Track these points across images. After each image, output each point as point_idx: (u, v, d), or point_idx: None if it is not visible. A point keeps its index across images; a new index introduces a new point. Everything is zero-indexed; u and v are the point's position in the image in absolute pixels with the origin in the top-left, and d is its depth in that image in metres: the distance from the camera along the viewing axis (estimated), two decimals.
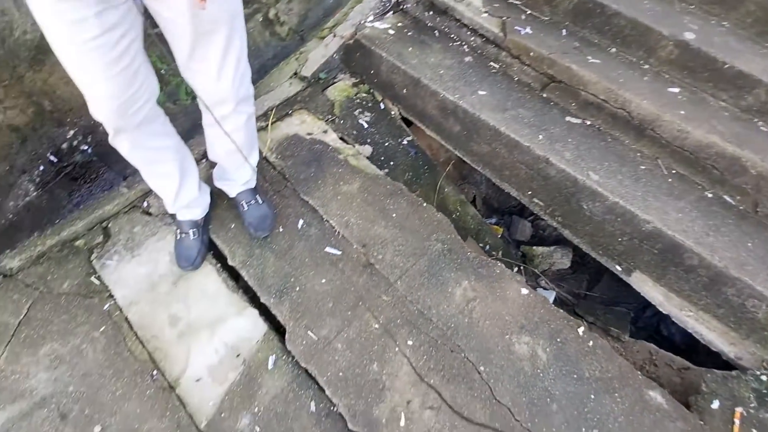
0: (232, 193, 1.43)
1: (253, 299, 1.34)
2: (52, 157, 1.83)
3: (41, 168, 1.83)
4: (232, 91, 1.10)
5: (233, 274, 1.39)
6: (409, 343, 1.22)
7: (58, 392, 1.14)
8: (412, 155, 1.86)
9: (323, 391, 1.16)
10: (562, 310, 1.29)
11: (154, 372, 1.19)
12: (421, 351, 1.21)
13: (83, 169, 1.87)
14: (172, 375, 1.19)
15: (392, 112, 1.89)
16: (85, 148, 1.88)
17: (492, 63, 1.73)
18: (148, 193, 1.54)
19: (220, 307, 1.31)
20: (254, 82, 1.20)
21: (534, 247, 1.86)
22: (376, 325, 1.25)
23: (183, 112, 2.06)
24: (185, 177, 1.26)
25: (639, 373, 1.19)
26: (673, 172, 1.46)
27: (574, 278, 1.82)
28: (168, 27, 0.95)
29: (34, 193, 1.81)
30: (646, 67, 1.64)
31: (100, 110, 0.97)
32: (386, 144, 1.83)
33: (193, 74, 1.07)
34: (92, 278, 1.35)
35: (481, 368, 1.18)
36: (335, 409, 1.13)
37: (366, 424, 1.09)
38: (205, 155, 1.55)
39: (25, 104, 1.69)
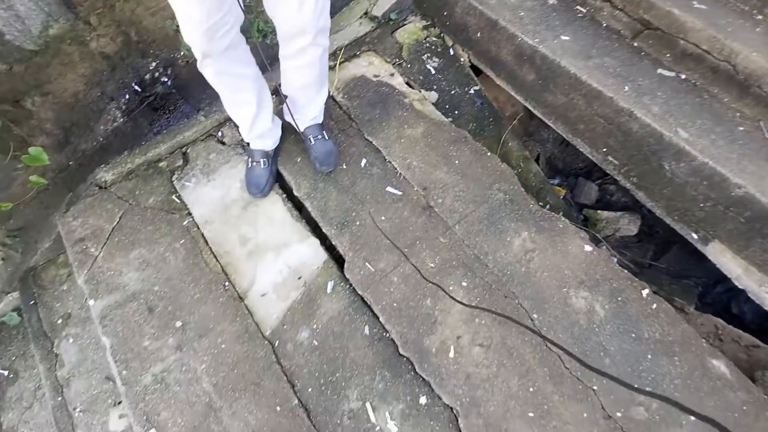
0: (300, 128, 1.47)
1: (315, 230, 1.41)
2: (136, 87, 1.97)
3: (127, 96, 1.98)
4: (313, 21, 1.11)
5: (297, 205, 1.46)
6: (464, 284, 1.24)
7: (146, 290, 1.29)
8: (477, 105, 1.80)
9: (377, 318, 1.22)
10: (626, 271, 1.24)
11: (226, 283, 1.30)
12: (475, 293, 1.22)
13: (163, 100, 2.00)
14: (241, 287, 1.30)
15: (461, 59, 1.82)
16: (165, 80, 2.00)
17: (578, 6, 1.59)
18: (223, 123, 1.62)
19: (284, 234, 1.39)
20: None
21: (599, 211, 1.77)
22: (432, 264, 1.27)
23: (254, 50, 2.11)
24: (261, 107, 1.31)
25: (703, 341, 1.14)
26: None
27: (639, 247, 1.73)
28: None
29: (121, 120, 1.97)
30: (760, 17, 1.44)
31: (190, 34, 1.02)
32: (452, 92, 1.78)
33: (275, 4, 1.09)
34: (173, 197, 1.47)
35: (534, 315, 1.18)
36: (388, 335, 1.20)
37: (416, 351, 1.15)
38: (275, 90, 1.60)
39: (114, 33, 1.80)
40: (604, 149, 1.47)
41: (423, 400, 1.11)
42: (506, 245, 1.30)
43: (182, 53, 1.98)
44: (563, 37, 1.49)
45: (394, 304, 1.21)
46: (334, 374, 1.15)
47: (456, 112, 1.76)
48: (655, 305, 1.19)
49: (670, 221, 1.41)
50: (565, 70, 1.43)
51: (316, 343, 1.20)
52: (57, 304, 1.51)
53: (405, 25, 1.84)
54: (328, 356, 1.18)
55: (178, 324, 1.22)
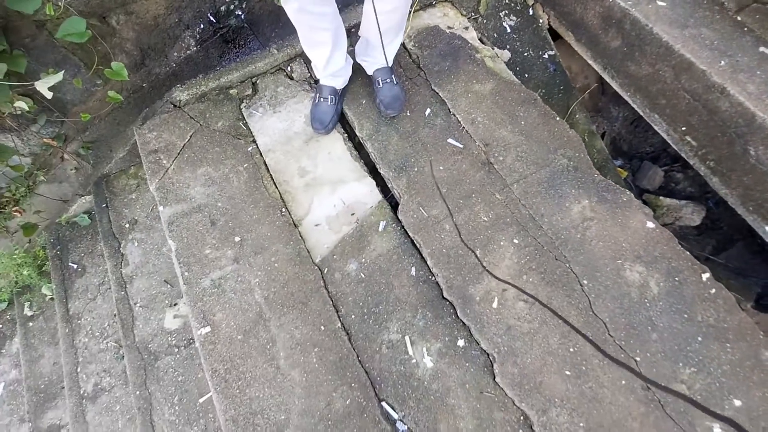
0: (369, 70, 1.47)
1: (372, 172, 1.43)
2: (211, 17, 2.02)
3: (201, 26, 2.03)
4: None
5: (357, 146, 1.49)
6: (515, 241, 1.23)
7: (210, 204, 1.37)
8: (550, 71, 1.74)
9: (425, 261, 1.24)
10: (688, 253, 1.20)
11: (283, 209, 1.36)
12: (526, 251, 1.22)
13: (235, 34, 2.04)
14: (296, 215, 1.36)
15: (540, 20, 1.74)
16: (239, 13, 2.03)
17: None
18: (293, 59, 1.64)
19: (342, 171, 1.42)
20: None
21: (661, 198, 1.69)
22: (485, 218, 1.28)
23: None
24: (336, 47, 1.32)
25: (761, 333, 1.10)
26: None
27: (698, 240, 1.65)
28: None
29: (194, 48, 2.04)
30: None
31: None
32: (525, 54, 1.72)
33: None
34: (240, 123, 1.53)
35: (584, 282, 1.17)
36: (433, 278, 1.22)
37: (460, 296, 1.17)
38: (348, 31, 1.59)
39: None
40: (683, 128, 1.39)
41: (461, 342, 1.13)
42: (564, 210, 1.27)
43: None
44: (659, 2, 1.39)
45: (443, 251, 1.23)
46: (377, 306, 1.20)
47: (526, 75, 1.70)
48: (714, 290, 1.15)
49: (743, 212, 1.33)
50: (657, 38, 1.34)
51: (363, 276, 1.24)
52: (126, 210, 1.63)
53: None
54: (373, 289, 1.22)
55: (237, 239, 1.30)
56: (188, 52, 2.03)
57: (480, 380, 1.09)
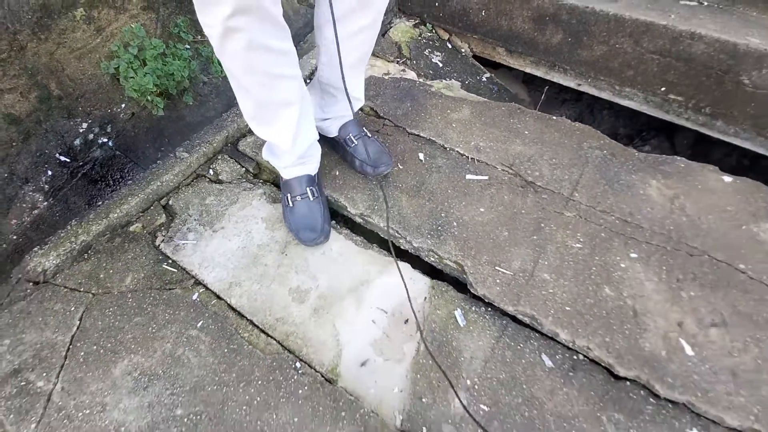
0: (332, 131, 1.11)
1: (397, 252, 0.99)
2: (62, 158, 1.44)
3: (49, 173, 1.43)
4: None
5: (353, 229, 1.05)
6: (632, 255, 0.90)
7: (161, 420, 0.72)
8: (495, 92, 1.62)
9: (552, 338, 0.81)
10: None
11: (297, 363, 0.80)
12: (654, 261, 0.89)
13: (104, 167, 1.48)
14: (323, 364, 0.81)
15: (462, 50, 1.66)
16: (105, 140, 1.50)
17: None
18: (213, 158, 1.19)
19: (355, 269, 0.95)
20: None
21: None
22: (578, 245, 0.93)
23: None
24: (305, 108, 0.92)
25: None
26: None
27: None
28: None
29: (44, 204, 1.40)
30: None
31: None
32: (467, 81, 1.59)
33: None
34: (165, 266, 0.96)
35: (740, 265, 0.87)
36: (581, 356, 0.78)
37: (642, 363, 0.75)
38: None
39: (26, 86, 1.33)
40: (663, 89, 1.33)
41: None
42: (645, 199, 1.01)
43: (124, 105, 1.53)
44: None
45: (567, 308, 0.82)
46: None
47: None
48: None
49: (761, 145, 1.26)
50: (601, 15, 1.31)
51: (487, 409, 0.73)
52: None
53: (392, 26, 1.66)
54: (518, 423, 0.72)
55: None
56: (36, 212, 1.37)
57: None
